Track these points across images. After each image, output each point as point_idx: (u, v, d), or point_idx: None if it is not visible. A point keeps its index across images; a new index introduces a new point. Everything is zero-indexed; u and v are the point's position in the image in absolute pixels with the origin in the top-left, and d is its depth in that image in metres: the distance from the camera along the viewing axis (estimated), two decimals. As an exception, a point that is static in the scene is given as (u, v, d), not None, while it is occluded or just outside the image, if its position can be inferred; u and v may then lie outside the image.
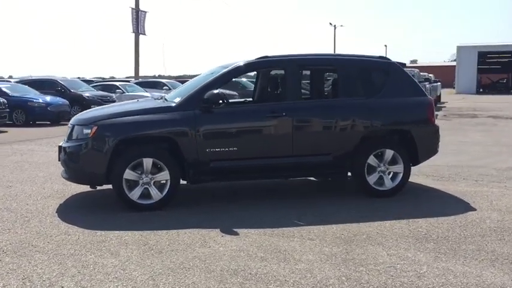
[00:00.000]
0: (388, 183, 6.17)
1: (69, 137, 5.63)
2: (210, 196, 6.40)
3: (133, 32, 32.19)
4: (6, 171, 7.99)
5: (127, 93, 23.79)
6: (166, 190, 5.56)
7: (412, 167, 6.39)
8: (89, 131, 5.46)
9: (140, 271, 3.82)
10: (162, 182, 5.59)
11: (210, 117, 5.67)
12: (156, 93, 25.10)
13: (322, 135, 5.99)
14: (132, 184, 5.54)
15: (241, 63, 6.01)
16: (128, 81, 29.64)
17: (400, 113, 6.27)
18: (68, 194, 6.30)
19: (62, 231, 4.80)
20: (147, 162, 5.48)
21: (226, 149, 5.69)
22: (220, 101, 6.29)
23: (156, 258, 4.09)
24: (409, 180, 6.69)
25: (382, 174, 6.17)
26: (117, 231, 4.79)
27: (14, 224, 5.04)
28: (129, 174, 5.45)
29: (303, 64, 6.17)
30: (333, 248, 4.36)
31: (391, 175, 6.25)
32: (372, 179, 6.13)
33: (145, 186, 5.54)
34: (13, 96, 17.74)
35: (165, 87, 27.96)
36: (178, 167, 5.60)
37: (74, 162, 5.54)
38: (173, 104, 5.72)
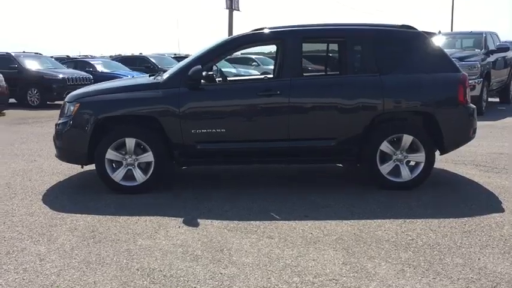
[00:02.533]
0: (406, 174, 5.29)
1: (61, 114, 5.54)
2: (200, 180, 5.99)
3: (227, 8, 32.27)
4: (49, 145, 8.21)
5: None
6: (151, 172, 5.27)
7: (440, 156, 5.42)
8: (73, 108, 5.32)
9: (54, 264, 3.57)
10: (146, 163, 5.30)
11: (196, 96, 5.22)
12: (243, 69, 25.09)
13: (323, 117, 5.26)
14: (116, 165, 5.33)
15: (232, 37, 5.45)
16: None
17: (422, 92, 5.28)
18: (78, 171, 6.25)
19: (28, 212, 4.73)
20: (130, 142, 5.22)
21: (213, 131, 5.23)
22: (219, 78, 5.87)
23: (86, 249, 3.82)
24: (445, 168, 5.75)
25: (398, 163, 5.30)
26: (81, 215, 4.61)
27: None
28: (111, 154, 5.23)
29: (304, 36, 5.41)
30: (284, 251, 3.75)
31: (410, 165, 5.35)
32: (385, 168, 5.29)
33: (129, 167, 5.29)
34: (102, 72, 18.62)
35: (254, 63, 27.74)
36: (164, 149, 5.26)
37: (58, 140, 5.45)
38: (160, 81, 5.35)
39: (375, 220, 4.39)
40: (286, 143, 5.28)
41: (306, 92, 5.26)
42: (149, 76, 5.88)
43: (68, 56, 25.72)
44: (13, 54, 16.24)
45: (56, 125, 5.50)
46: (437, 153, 5.50)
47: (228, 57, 29.90)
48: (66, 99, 5.55)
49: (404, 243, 3.86)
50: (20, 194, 5.33)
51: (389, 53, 5.36)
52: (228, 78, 6.54)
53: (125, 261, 3.60)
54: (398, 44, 5.39)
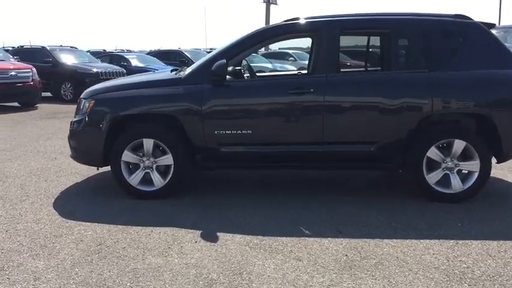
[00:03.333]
0: (457, 185, 4.63)
1: (76, 111, 5.14)
2: (224, 185, 5.48)
3: (264, 1, 31.70)
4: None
5: (250, 64, 23.32)
6: (170, 176, 4.80)
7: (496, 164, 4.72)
8: (88, 105, 4.91)
9: (49, 284, 3.13)
10: (165, 166, 4.84)
11: (219, 93, 4.71)
12: (279, 64, 24.47)
13: (362, 119, 4.65)
14: (133, 168, 4.89)
15: (261, 28, 4.90)
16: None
17: (477, 92, 4.59)
18: (96, 171, 5.86)
19: (35, 218, 4.34)
20: (148, 143, 4.76)
21: (239, 132, 4.70)
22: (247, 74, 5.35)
23: (88, 267, 3.37)
24: (500, 177, 5.07)
25: (448, 172, 4.64)
26: (90, 224, 4.19)
27: (5, 204, 4.74)
28: (128, 156, 4.80)
29: (342, 27, 4.79)
30: (314, 277, 3.20)
31: (461, 174, 4.68)
32: (432, 177, 4.65)
33: (147, 170, 4.84)
34: (136, 66, 18.42)
35: (290, 58, 27.07)
36: (184, 151, 4.78)
37: (73, 140, 5.06)
38: (181, 77, 4.86)
39: (421, 240, 3.77)
40: (319, 147, 4.71)
41: (343, 90, 4.66)
42: (171, 71, 5.40)
43: (104, 50, 25.75)
44: (48, 48, 16.20)
45: (71, 123, 5.11)
46: (493, 160, 4.80)
47: (264, 51, 29.38)
48: (82, 95, 5.14)
49: (458, 273, 3.23)
50: (31, 197, 4.96)
51: (441, 47, 4.69)
52: (257, 74, 6.00)
53: (128, 284, 3.12)
54: (451, 36, 4.72)
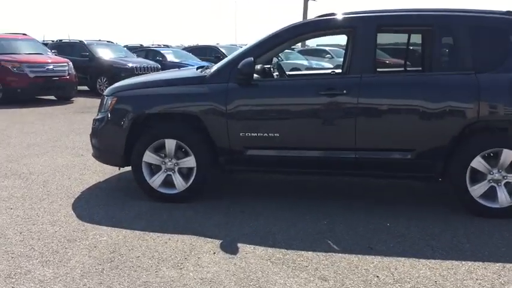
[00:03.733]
0: (504, 199, 4.21)
1: (99, 109, 4.97)
2: (250, 189, 5.19)
3: (303, -4, 31.22)
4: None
5: (285, 61, 23.01)
6: (192, 179, 4.56)
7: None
8: (110, 102, 4.72)
9: (54, 296, 2.93)
10: (188, 169, 4.61)
11: (246, 93, 4.43)
12: (314, 61, 23.99)
13: (400, 124, 4.28)
14: (155, 169, 4.68)
15: (292, 24, 4.58)
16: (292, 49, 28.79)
17: (532, 96, 4.14)
18: (120, 170, 5.69)
19: (51, 220, 4.18)
20: (170, 144, 4.54)
21: (265, 135, 4.42)
22: (276, 73, 5.06)
23: (97, 277, 3.17)
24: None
25: (494, 184, 4.22)
26: (107, 228, 4.00)
27: (24, 203, 4.61)
28: (149, 156, 4.59)
29: (380, 23, 4.41)
30: (340, 302, 2.88)
31: (510, 186, 4.25)
32: (477, 190, 4.24)
33: (169, 172, 4.62)
34: (171, 62, 18.37)
35: (327, 56, 26.54)
36: (207, 153, 4.53)
37: (94, 138, 4.89)
38: (206, 75, 4.61)
39: (463, 262, 3.38)
40: (351, 153, 4.36)
41: (380, 92, 4.30)
42: (197, 69, 5.16)
43: (141, 45, 25.94)
44: (85, 42, 16.32)
45: (93, 120, 4.93)
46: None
47: (300, 48, 28.84)
48: (105, 92, 4.96)
49: (505, 304, 2.85)
50: (52, 196, 4.83)
51: (489, 46, 4.26)
52: (288, 73, 5.68)
53: (136, 300, 2.89)
54: (502, 35, 4.27)
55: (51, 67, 12.94)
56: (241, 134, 4.44)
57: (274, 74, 5.37)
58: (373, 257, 3.47)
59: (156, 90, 4.63)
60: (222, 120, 4.41)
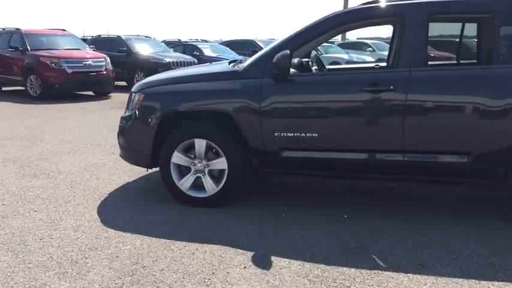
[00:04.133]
0: None
1: (127, 106, 4.70)
2: (287, 193, 4.82)
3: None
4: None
5: (324, 55, 22.37)
6: (223, 182, 4.23)
7: None
8: (137, 99, 4.45)
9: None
10: (219, 171, 4.29)
11: (281, 89, 4.05)
12: (355, 55, 23.27)
13: (454, 124, 3.80)
14: (184, 170, 4.38)
15: (331, 14, 4.16)
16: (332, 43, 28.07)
17: None
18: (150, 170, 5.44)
19: (74, 225, 3.94)
20: (200, 144, 4.23)
21: (303, 135, 4.04)
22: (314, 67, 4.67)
23: (115, 293, 2.87)
24: None
25: None
26: (131, 235, 3.73)
27: (49, 205, 4.41)
28: (178, 157, 4.29)
29: (432, 11, 3.92)
30: (388, 333, 2.48)
31: None
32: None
33: (198, 174, 4.31)
34: (208, 56, 18.17)
35: (368, 49, 25.74)
36: (240, 154, 4.19)
37: (121, 137, 4.63)
38: (238, 69, 4.26)
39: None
40: (399, 156, 3.92)
41: (432, 87, 3.83)
42: (229, 63, 4.81)
43: (179, 40, 25.88)
44: (123, 37, 16.30)
45: (120, 118, 4.67)
46: None
47: (340, 41, 28.07)
48: (132, 89, 4.69)
49: None
50: (78, 197, 4.61)
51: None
52: (329, 67, 5.25)
53: (156, 324, 2.58)
54: None
55: (88, 62, 12.91)
56: (276, 134, 4.07)
57: (313, 68, 4.97)
58: (426, 277, 3.04)
59: (185, 86, 4.32)
60: (256, 119, 4.06)
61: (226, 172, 4.22)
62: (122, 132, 4.57)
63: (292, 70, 4.15)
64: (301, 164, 4.16)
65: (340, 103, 3.99)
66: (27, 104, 11.38)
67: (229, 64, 4.75)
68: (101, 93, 13.56)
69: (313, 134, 4.01)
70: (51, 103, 11.50)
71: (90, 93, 13.55)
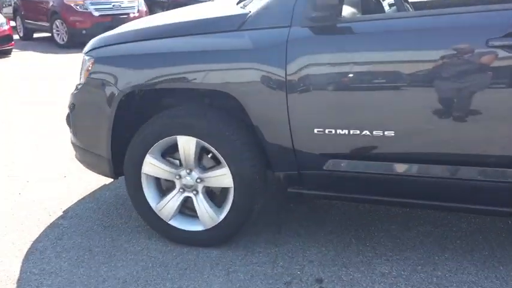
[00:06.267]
0: None
1: (79, 78, 2.93)
2: (316, 221, 2.95)
3: None
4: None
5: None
6: (228, 208, 2.46)
7: None
8: (87, 66, 2.68)
9: None
10: (221, 190, 2.51)
11: (327, 45, 2.15)
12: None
13: None
14: (166, 187, 2.64)
15: None
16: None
17: None
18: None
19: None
20: (186, 145, 2.44)
21: (368, 134, 2.13)
22: None
23: None
24: None
25: None
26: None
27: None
28: (152, 166, 2.54)
29: None
30: None
31: None
32: None
33: (187, 194, 2.54)
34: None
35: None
36: (255, 162, 2.37)
37: (70, 128, 2.92)
38: (248, 13, 2.32)
39: None
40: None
41: None
42: (238, 3, 2.82)
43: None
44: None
45: (70, 96, 2.90)
46: None
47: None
48: (84, 49, 2.88)
49: None
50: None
51: None
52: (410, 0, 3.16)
53: None
54: None
55: (118, 3, 11.28)
56: (316, 131, 2.19)
57: (385, 4, 2.92)
58: None
59: (158, 45, 2.47)
60: (278, 100, 2.19)
61: (231, 192, 2.43)
62: (69, 120, 2.86)
63: (345, 11, 2.20)
64: (363, 183, 2.28)
65: (443, 70, 1.99)
66: (49, 54, 9.98)
67: (237, 4, 2.79)
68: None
69: (387, 132, 2.09)
70: (79, 52, 9.95)
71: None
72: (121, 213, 3.04)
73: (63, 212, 3.09)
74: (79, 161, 2.95)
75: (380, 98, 2.09)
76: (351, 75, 2.10)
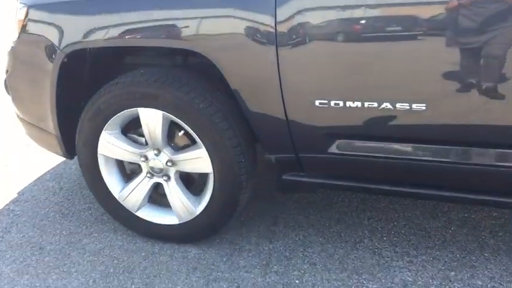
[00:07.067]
0: None
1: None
2: (315, 215, 2.39)
3: None
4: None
5: None
6: (207, 199, 1.91)
7: None
8: (21, 17, 2.06)
9: None
10: (198, 175, 1.96)
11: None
12: None
13: None
14: (131, 170, 2.10)
15: None
16: None
17: None
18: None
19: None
20: (150, 119, 1.87)
21: (389, 107, 1.53)
22: None
23: None
24: None
25: None
26: None
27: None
28: (109, 145, 1.97)
29: None
30: None
31: None
32: None
33: (157, 180, 2.00)
34: None
35: None
36: (239, 142, 1.80)
37: (7, 92, 2.35)
38: None
39: None
40: None
41: None
42: None
43: None
44: None
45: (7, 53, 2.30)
46: None
47: None
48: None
49: None
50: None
51: None
52: None
53: None
54: None
55: None
56: (318, 103, 1.60)
57: None
58: None
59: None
60: (265, 58, 1.58)
61: (210, 178, 1.88)
62: (6, 87, 2.28)
63: None
64: (381, 170, 1.71)
65: (488, 25, 1.37)
66: None
67: None
68: None
69: (416, 105, 1.49)
70: None
71: None
72: (85, 195, 2.53)
73: (18, 193, 2.58)
74: (29, 136, 2.39)
75: (406, 56, 1.47)
76: (366, 21, 1.47)
